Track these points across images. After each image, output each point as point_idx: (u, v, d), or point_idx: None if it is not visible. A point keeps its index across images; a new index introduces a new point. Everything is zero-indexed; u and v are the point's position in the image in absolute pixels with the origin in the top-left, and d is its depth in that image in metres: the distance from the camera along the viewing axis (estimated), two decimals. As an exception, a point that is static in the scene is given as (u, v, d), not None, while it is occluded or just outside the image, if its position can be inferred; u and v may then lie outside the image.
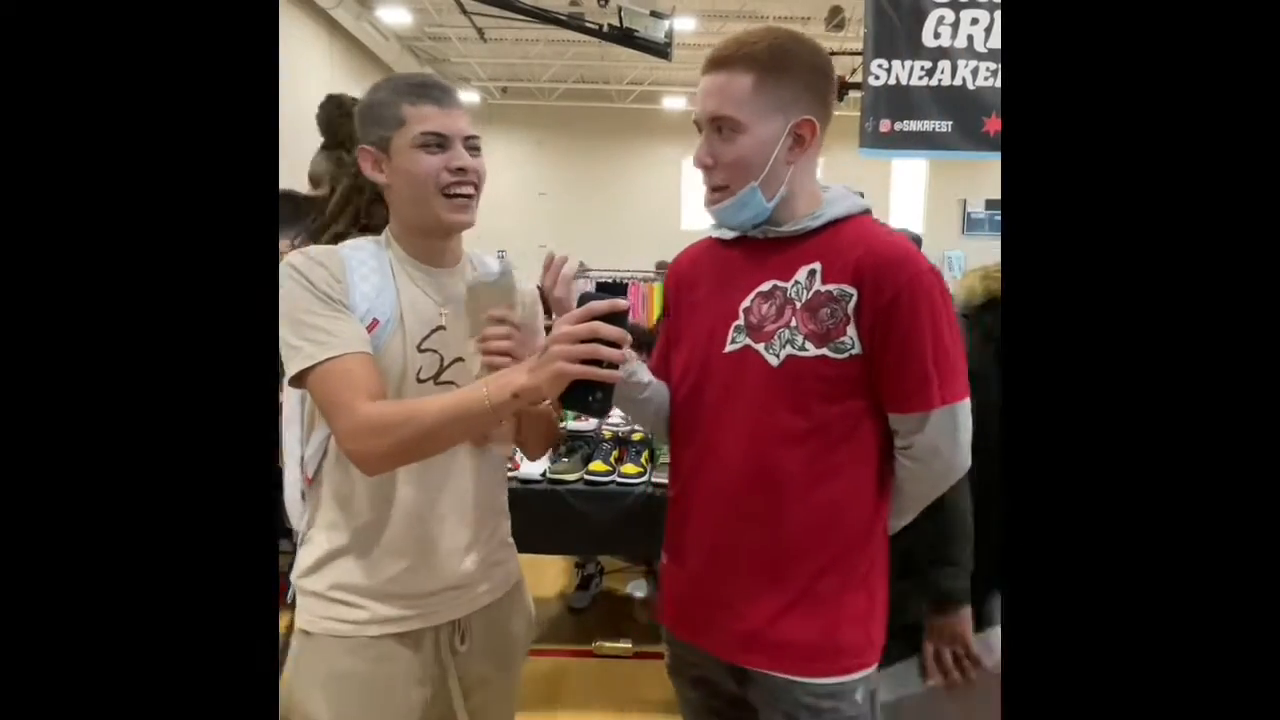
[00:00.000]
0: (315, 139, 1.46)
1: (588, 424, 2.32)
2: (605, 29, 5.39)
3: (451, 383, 0.91)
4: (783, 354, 0.85)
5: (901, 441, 0.87)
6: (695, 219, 11.36)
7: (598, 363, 0.73)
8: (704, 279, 0.96)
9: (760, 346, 0.86)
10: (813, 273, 0.85)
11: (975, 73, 2.82)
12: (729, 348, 0.89)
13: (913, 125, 2.97)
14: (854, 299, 0.82)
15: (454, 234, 0.93)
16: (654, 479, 2.06)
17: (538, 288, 0.94)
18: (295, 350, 0.83)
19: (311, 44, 6.82)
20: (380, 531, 0.91)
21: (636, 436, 2.22)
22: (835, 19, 6.85)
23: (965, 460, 0.89)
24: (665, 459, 2.16)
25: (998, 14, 2.75)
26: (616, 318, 0.75)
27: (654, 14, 5.27)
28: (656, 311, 5.25)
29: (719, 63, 0.85)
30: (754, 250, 0.91)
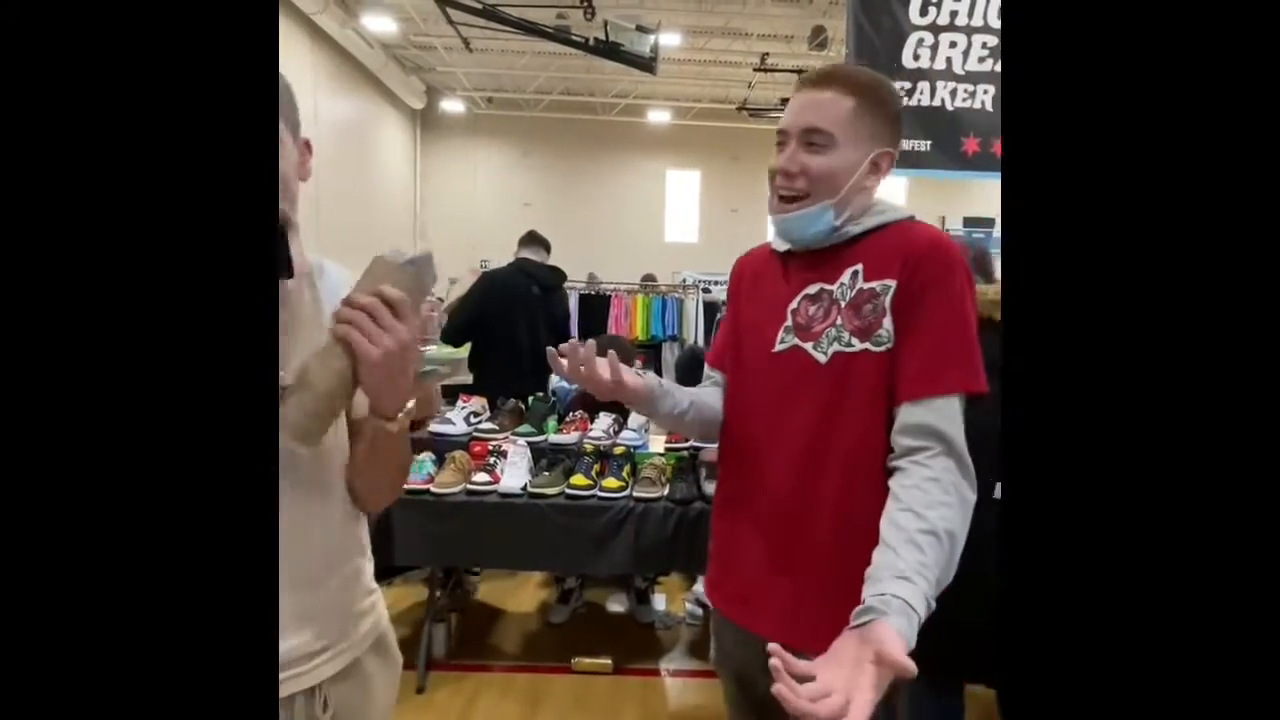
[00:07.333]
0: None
1: (568, 437, 2.31)
2: (591, 42, 5.43)
3: None
4: (830, 350, 0.89)
5: (905, 456, 0.81)
6: (679, 231, 11.46)
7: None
8: (761, 279, 1.02)
9: (808, 345, 0.91)
10: (855, 273, 0.90)
11: (954, 94, 2.87)
12: (778, 347, 0.94)
13: (893, 144, 3.00)
14: (893, 290, 0.86)
15: None
16: (635, 493, 2.06)
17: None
18: None
19: (295, 50, 6.77)
20: None
21: (618, 450, 2.21)
22: (818, 38, 6.97)
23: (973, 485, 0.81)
24: (646, 473, 2.17)
25: (975, 37, 2.81)
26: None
27: (640, 28, 5.32)
28: (639, 324, 5.25)
29: (822, 79, 0.90)
30: (803, 259, 0.97)
